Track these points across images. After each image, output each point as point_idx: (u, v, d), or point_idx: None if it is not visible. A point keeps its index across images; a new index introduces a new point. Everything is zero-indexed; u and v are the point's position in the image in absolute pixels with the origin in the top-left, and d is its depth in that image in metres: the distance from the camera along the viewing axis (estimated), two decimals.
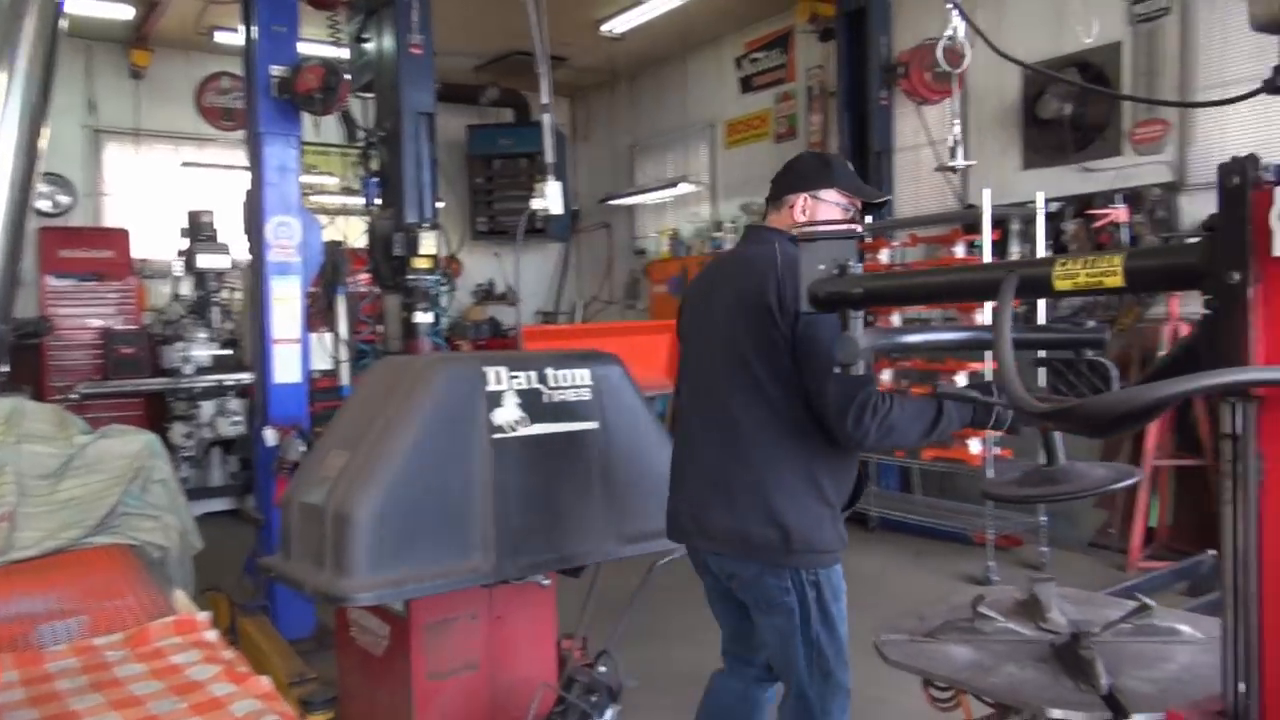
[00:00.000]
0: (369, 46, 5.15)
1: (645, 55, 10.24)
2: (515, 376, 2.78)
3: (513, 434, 2.74)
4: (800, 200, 2.52)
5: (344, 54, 5.43)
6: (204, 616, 2.21)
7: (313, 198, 8.80)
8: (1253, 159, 1.15)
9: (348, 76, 4.63)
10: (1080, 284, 1.41)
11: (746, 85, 9.62)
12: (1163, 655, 1.77)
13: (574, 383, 2.90)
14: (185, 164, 9.66)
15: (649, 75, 10.85)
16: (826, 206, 2.50)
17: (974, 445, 5.59)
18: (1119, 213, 6.03)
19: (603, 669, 3.15)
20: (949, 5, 2.32)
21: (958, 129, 3.01)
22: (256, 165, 4.68)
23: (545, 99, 3.79)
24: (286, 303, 4.66)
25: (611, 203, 10.46)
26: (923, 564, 5.84)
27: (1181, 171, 6.09)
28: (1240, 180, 1.15)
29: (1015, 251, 6.44)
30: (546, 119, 3.79)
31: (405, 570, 2.53)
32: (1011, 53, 2.18)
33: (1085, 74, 6.50)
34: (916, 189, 7.73)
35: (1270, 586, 1.13)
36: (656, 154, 10.94)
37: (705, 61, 10.12)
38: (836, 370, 1.82)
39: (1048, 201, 5.90)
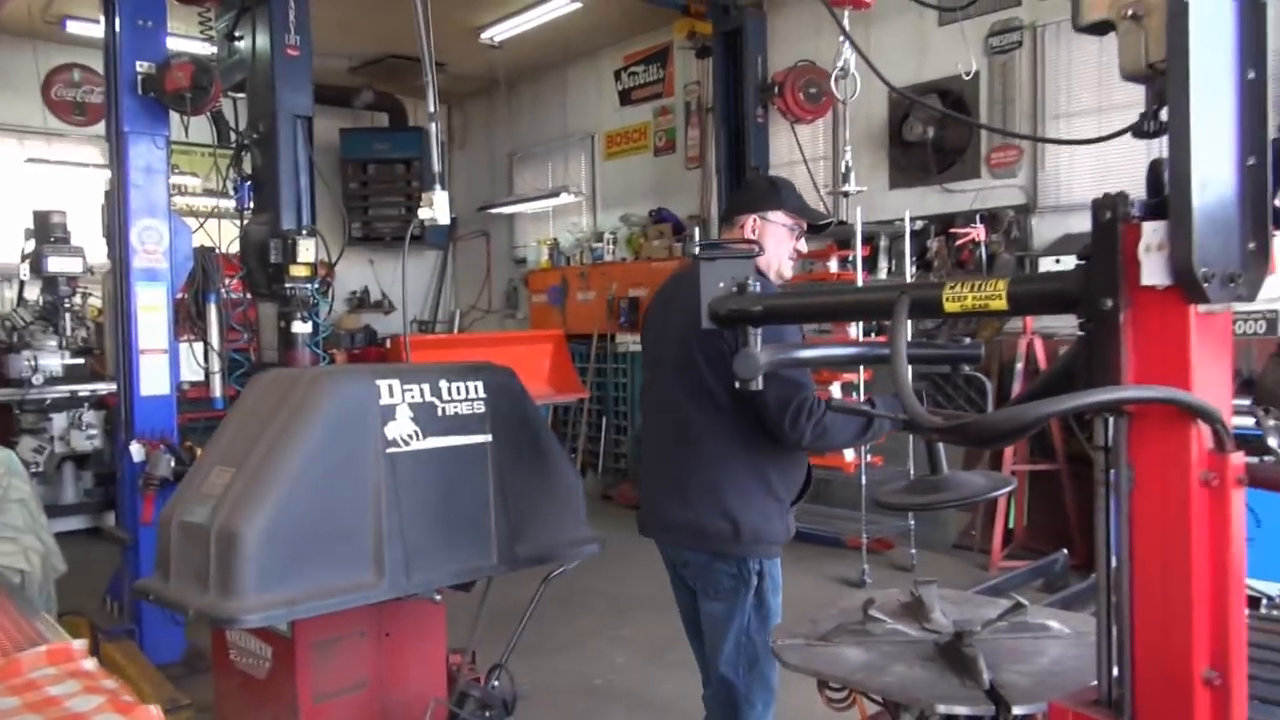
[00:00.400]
0: (241, 45, 4.96)
1: (525, 64, 10.22)
2: (409, 389, 2.74)
3: (406, 448, 2.70)
4: (750, 220, 2.69)
5: (213, 50, 5.22)
6: (79, 644, 2.09)
7: (176, 199, 8.39)
8: (1123, 196, 1.27)
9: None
10: (968, 306, 1.51)
11: (625, 98, 9.74)
12: (1036, 650, 1.90)
13: (468, 395, 2.88)
14: (30, 160, 9.06)
15: (528, 84, 10.84)
16: (774, 227, 2.68)
17: (848, 453, 5.81)
18: (978, 232, 6.41)
19: (496, 682, 3.14)
20: (841, 39, 2.44)
21: (849, 155, 3.16)
22: (120, 166, 4.45)
23: (432, 108, 3.73)
24: (153, 311, 4.45)
25: (490, 211, 10.38)
26: (801, 568, 6.03)
27: (1033, 194, 6.52)
28: (1112, 215, 1.27)
29: (884, 266, 6.75)
30: (433, 128, 3.74)
31: (296, 589, 2.45)
32: (875, 79, 2.32)
33: (945, 100, 6.88)
34: None
35: (1140, 582, 1.25)
36: (536, 163, 10.93)
37: (585, 73, 10.18)
38: (736, 385, 1.89)
39: (913, 220, 6.23)
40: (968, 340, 2.15)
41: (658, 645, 4.91)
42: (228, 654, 3.08)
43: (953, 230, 6.62)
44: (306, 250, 4.47)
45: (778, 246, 2.72)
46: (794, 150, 7.61)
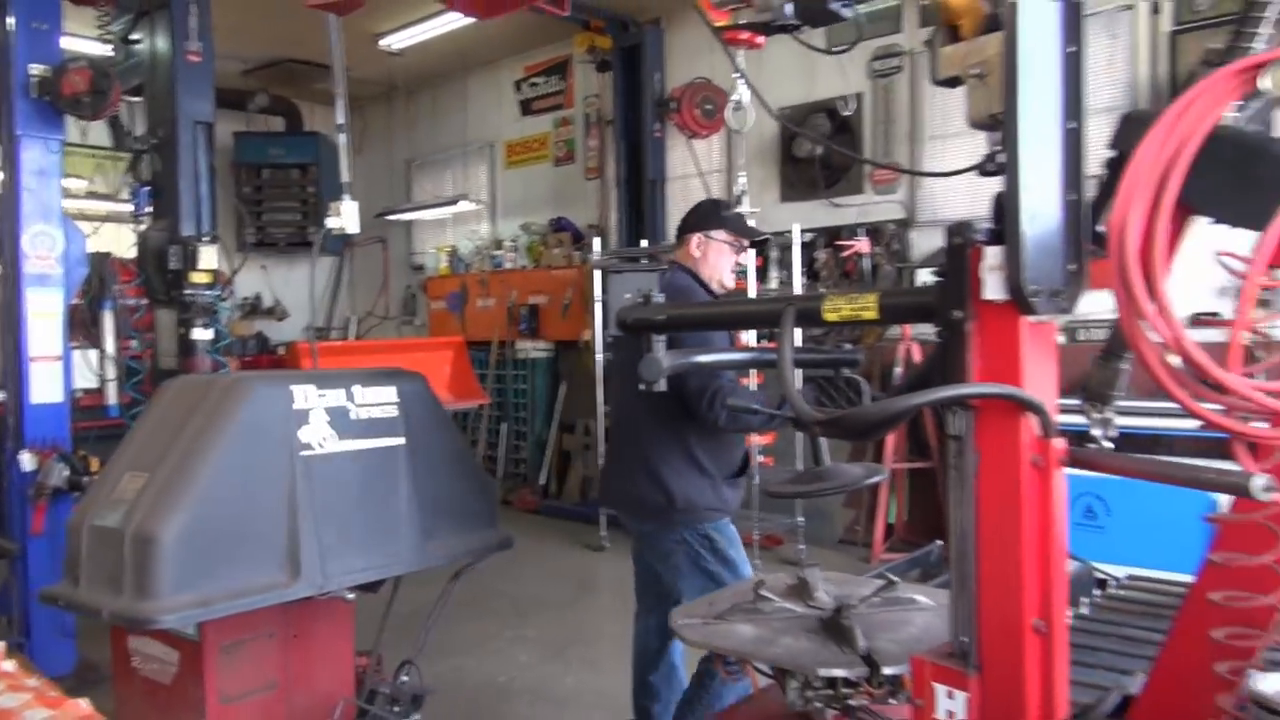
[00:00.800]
0: (140, 48, 4.90)
1: (425, 72, 10.22)
2: (323, 394, 2.83)
3: (321, 451, 2.79)
4: (695, 238, 3.08)
5: (109, 51, 5.13)
6: None
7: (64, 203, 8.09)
8: (969, 224, 1.50)
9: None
10: (844, 316, 1.73)
11: (526, 108, 9.85)
12: (904, 621, 2.14)
13: (380, 400, 2.98)
14: None
15: (428, 91, 10.83)
16: (716, 244, 3.07)
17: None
18: (862, 244, 6.79)
19: (405, 678, 3.24)
20: (735, 75, 2.66)
21: (744, 180, 3.40)
22: (11, 170, 4.35)
23: (341, 119, 3.82)
24: (46, 318, 4.36)
25: (389, 218, 10.33)
26: None
27: (912, 209, 6.94)
28: (961, 240, 1.50)
29: (775, 276, 7.06)
30: (343, 139, 3.82)
31: (212, 589, 2.51)
32: (768, 98, 2.57)
33: (833, 119, 7.25)
34: None
35: (983, 548, 1.48)
36: (435, 170, 10.93)
37: (485, 82, 10.25)
38: (642, 386, 2.08)
39: (802, 232, 6.57)
40: (848, 346, 2.39)
41: (558, 644, 5.06)
42: (129, 661, 3.07)
43: (839, 242, 6.99)
44: (208, 257, 4.45)
45: (719, 260, 3.11)
46: (689, 164, 7.87)
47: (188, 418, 2.72)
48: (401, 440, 2.99)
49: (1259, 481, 1.21)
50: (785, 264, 6.77)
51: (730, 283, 3.19)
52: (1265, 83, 1.26)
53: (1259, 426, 1.34)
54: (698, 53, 7.87)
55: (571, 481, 8.87)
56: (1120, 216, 1.35)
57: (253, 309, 10.60)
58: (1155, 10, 5.75)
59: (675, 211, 8.31)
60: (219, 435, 2.62)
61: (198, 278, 4.47)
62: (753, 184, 7.49)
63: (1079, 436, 1.92)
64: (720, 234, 3.10)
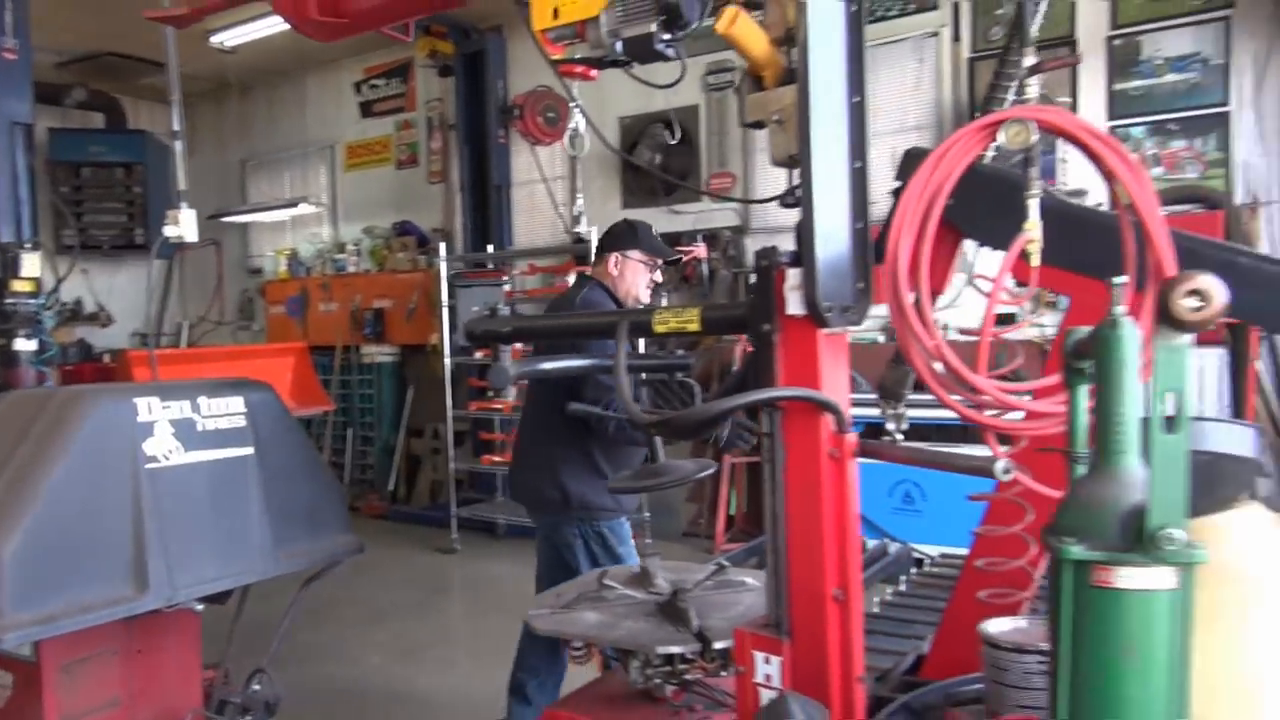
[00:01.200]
0: None
1: (260, 69, 9.91)
2: (167, 406, 2.83)
3: (167, 463, 2.79)
4: (613, 257, 3.27)
5: None
6: None
7: None
8: (774, 249, 1.73)
9: None
10: (671, 328, 1.94)
11: (367, 110, 9.72)
12: (734, 601, 2.36)
13: (227, 410, 2.99)
14: None
15: (263, 90, 10.51)
16: (632, 263, 3.28)
17: None
18: (699, 250, 7.12)
19: (256, 687, 3.25)
20: (573, 105, 2.83)
21: (581, 202, 3.54)
22: None
23: (176, 125, 3.77)
24: None
25: (223, 220, 9.96)
26: None
27: (746, 217, 7.32)
28: (768, 263, 1.72)
29: None
30: (179, 146, 3.77)
31: (55, 606, 2.49)
32: (607, 108, 2.75)
33: (671, 130, 7.55)
34: (531, 221, 8.40)
35: (791, 531, 1.71)
36: (273, 171, 10.62)
37: (324, 82, 10.04)
38: (490, 394, 2.22)
39: None
40: (680, 352, 2.61)
41: (411, 647, 5.11)
42: None
43: (678, 248, 7.28)
44: (30, 264, 4.27)
45: (635, 278, 3.31)
46: (534, 169, 8.01)
47: (24, 434, 2.66)
48: (250, 450, 3.01)
49: (1000, 465, 1.48)
50: None
51: (646, 299, 3.39)
52: (1002, 137, 1.53)
53: (1010, 418, 1.62)
54: (540, 62, 7.94)
55: (421, 485, 8.85)
56: (893, 242, 1.60)
57: (74, 314, 10.01)
58: (956, 38, 6.32)
59: (520, 216, 8.43)
60: (59, 450, 2.59)
61: (20, 286, 4.29)
62: (595, 191, 7.73)
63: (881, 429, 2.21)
64: (636, 254, 3.31)
